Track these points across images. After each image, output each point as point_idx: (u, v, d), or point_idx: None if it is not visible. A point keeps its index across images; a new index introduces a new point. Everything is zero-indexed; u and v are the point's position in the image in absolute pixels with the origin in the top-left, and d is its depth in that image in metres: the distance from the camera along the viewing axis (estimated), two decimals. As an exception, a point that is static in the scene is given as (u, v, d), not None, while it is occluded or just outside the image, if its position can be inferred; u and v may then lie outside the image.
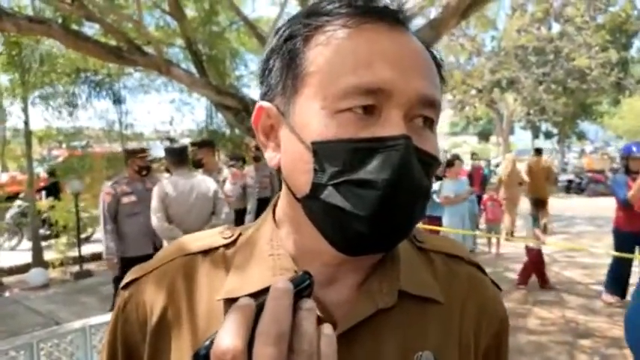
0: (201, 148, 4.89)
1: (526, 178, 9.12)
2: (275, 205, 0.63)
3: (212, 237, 0.64)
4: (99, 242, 8.83)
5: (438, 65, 0.58)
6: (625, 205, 4.83)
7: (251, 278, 0.57)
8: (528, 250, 5.85)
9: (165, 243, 3.80)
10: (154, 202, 3.66)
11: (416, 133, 0.52)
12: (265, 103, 0.57)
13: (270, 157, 0.58)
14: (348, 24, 0.52)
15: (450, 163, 6.82)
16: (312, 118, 0.51)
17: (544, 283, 5.78)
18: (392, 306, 0.56)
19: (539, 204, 6.19)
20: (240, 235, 0.64)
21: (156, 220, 3.64)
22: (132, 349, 0.60)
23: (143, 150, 4.53)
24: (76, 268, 7.09)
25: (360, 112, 0.50)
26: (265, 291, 0.39)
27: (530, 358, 4.03)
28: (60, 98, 9.02)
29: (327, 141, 0.50)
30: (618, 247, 5.06)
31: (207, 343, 0.36)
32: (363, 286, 0.57)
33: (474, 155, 11.61)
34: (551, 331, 4.56)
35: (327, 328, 0.39)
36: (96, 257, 7.96)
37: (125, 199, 4.14)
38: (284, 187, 0.58)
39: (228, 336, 0.35)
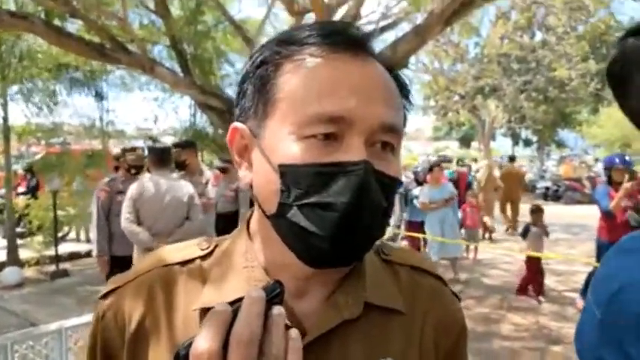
0: (184, 149, 4.86)
1: (501, 183, 9.72)
2: (249, 220, 0.67)
3: (189, 248, 0.67)
4: (75, 241, 8.77)
5: (403, 87, 0.62)
6: (607, 216, 4.94)
7: (226, 289, 0.60)
8: (529, 259, 5.78)
9: (135, 247, 3.70)
10: (126, 202, 3.59)
11: (377, 157, 0.55)
12: (239, 125, 0.61)
13: (243, 175, 0.61)
14: (315, 54, 0.56)
15: (430, 169, 6.91)
16: (280, 142, 0.55)
17: (539, 293, 5.71)
18: (358, 316, 0.60)
19: (536, 211, 6.06)
20: (216, 246, 0.67)
21: (124, 220, 3.56)
22: (111, 356, 0.62)
23: (133, 149, 4.48)
24: (52, 268, 6.98)
25: (324, 138, 0.54)
26: (240, 301, 0.42)
27: (504, 363, 4.11)
28: (40, 94, 8.87)
29: (292, 165, 0.53)
30: (600, 256, 5.16)
31: (187, 344, 0.40)
32: (330, 299, 0.61)
33: (459, 161, 11.77)
34: (525, 337, 4.66)
35: (293, 333, 0.43)
36: (73, 256, 7.87)
37: (119, 198, 4.06)
38: (255, 204, 0.62)
39: (205, 338, 0.39)
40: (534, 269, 5.77)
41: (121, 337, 0.61)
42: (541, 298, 5.69)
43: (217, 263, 0.64)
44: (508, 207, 10.66)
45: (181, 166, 4.77)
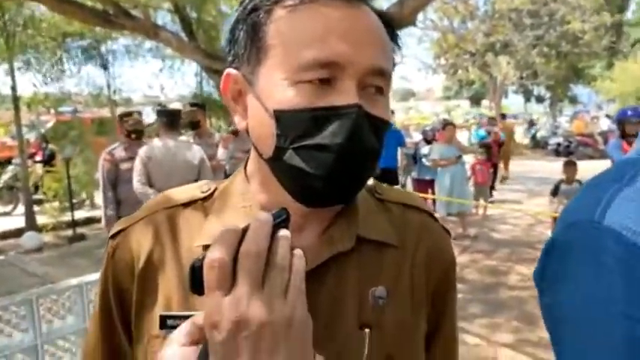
0: (199, 109, 4.88)
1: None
2: (246, 163, 0.71)
3: (191, 191, 0.72)
4: (90, 207, 8.98)
5: (393, 34, 0.64)
6: None
7: (226, 226, 0.66)
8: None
9: None
10: (137, 165, 3.64)
11: (369, 99, 0.58)
12: (232, 71, 0.63)
13: (239, 121, 0.65)
14: (306, 0, 0.57)
15: (443, 128, 6.93)
16: (275, 87, 0.57)
17: None
18: (351, 249, 0.64)
19: (569, 166, 5.74)
20: (215, 189, 0.72)
21: (136, 182, 3.62)
22: (122, 291, 0.68)
23: (129, 114, 4.36)
24: (69, 232, 7.19)
25: (318, 83, 0.56)
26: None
27: (511, 312, 4.23)
28: (47, 63, 8.90)
29: (287, 110, 0.56)
30: None
31: (201, 257, 0.45)
32: (325, 233, 0.65)
33: (491, 120, 11.40)
34: (531, 286, 4.75)
35: (297, 252, 0.47)
36: (89, 221, 8.07)
37: (124, 165, 4.02)
38: (252, 147, 0.66)
39: (217, 250, 0.43)
40: None
41: (131, 272, 0.66)
42: None
43: (217, 204, 0.69)
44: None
45: (195, 125, 4.78)
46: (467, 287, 4.74)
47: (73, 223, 7.24)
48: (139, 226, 0.69)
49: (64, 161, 7.42)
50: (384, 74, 0.60)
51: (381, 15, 0.63)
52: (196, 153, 3.83)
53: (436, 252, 0.72)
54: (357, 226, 0.66)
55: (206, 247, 0.63)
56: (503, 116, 12.66)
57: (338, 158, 0.56)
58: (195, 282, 0.45)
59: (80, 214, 7.94)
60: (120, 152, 4.12)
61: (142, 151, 3.70)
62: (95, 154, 7.63)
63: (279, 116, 0.57)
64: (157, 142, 3.82)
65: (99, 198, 8.64)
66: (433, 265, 0.71)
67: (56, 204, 7.69)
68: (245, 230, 0.45)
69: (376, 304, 0.64)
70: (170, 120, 3.83)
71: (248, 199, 0.67)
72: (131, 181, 3.95)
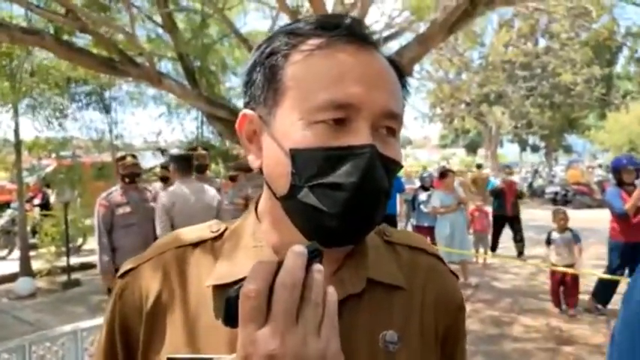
0: (208, 153, 4.94)
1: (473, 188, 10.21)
2: (257, 202, 0.72)
3: (202, 230, 0.72)
4: (88, 252, 8.85)
5: (402, 76, 0.67)
6: (622, 217, 4.91)
7: (237, 267, 0.65)
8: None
9: None
10: (159, 212, 3.65)
11: (381, 140, 0.60)
12: (249, 111, 0.65)
13: (253, 160, 0.66)
14: (322, 45, 0.60)
15: (443, 175, 6.95)
16: (291, 127, 0.59)
17: (569, 304, 5.26)
18: (361, 292, 0.64)
19: (558, 216, 5.51)
20: (226, 229, 0.72)
21: (160, 229, 3.64)
22: (129, 331, 0.66)
23: (123, 157, 4.31)
24: (64, 278, 7.05)
25: (332, 123, 0.58)
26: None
27: (515, 365, 4.10)
28: (50, 108, 9.01)
29: (303, 149, 0.58)
30: (613, 257, 5.08)
31: (237, 288, 0.46)
32: (335, 275, 0.65)
33: (506, 168, 11.14)
34: (536, 338, 4.65)
35: (330, 288, 0.48)
36: (85, 267, 7.94)
37: (120, 210, 3.97)
38: (265, 186, 0.67)
39: (253, 281, 0.45)
40: (557, 279, 5.34)
41: (139, 312, 0.65)
42: (571, 311, 5.21)
43: (228, 244, 0.69)
44: None
45: (203, 169, 4.80)
46: (470, 338, 4.58)
47: (69, 269, 7.12)
48: (148, 266, 0.68)
49: (62, 205, 7.37)
50: (395, 117, 0.62)
51: (392, 61, 0.66)
52: (213, 195, 3.89)
53: (444, 295, 0.73)
54: (367, 268, 0.67)
55: (216, 288, 0.64)
56: (479, 166, 12.97)
57: (352, 197, 0.57)
58: (230, 314, 0.45)
59: (76, 260, 7.82)
60: (116, 197, 4.06)
61: (164, 198, 3.71)
62: (94, 198, 7.59)
63: (295, 155, 0.59)
64: (175, 188, 3.84)
65: (94, 244, 8.59)
66: (442, 308, 0.71)
67: (52, 248, 7.57)
68: (280, 263, 0.46)
69: (387, 349, 0.63)
70: (185, 165, 3.89)
71: (259, 238, 0.67)
72: (126, 227, 3.96)
